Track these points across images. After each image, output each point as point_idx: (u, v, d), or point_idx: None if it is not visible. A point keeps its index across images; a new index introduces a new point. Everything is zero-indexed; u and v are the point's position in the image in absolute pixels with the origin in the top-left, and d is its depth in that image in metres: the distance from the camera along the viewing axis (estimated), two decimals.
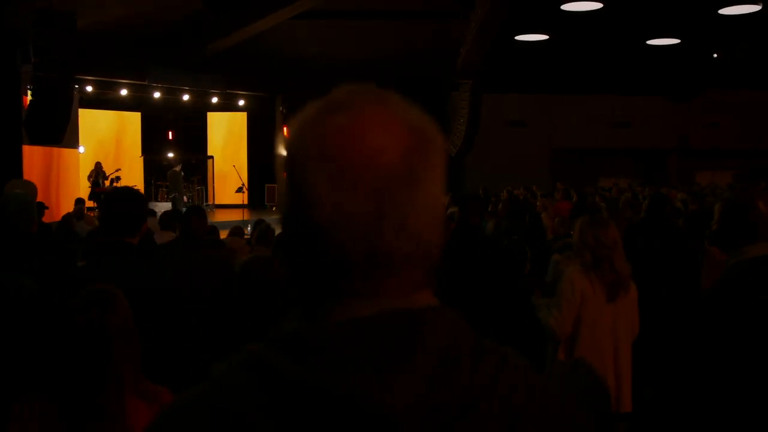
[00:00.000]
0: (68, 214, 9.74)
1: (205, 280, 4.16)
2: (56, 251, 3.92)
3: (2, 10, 12.22)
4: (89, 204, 16.67)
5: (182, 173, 17.44)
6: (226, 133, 21.90)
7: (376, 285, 0.79)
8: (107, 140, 19.78)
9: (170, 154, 20.80)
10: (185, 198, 17.51)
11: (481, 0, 14.94)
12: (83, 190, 16.84)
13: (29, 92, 14.03)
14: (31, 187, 4.03)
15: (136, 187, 17.45)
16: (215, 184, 21.06)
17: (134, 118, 20.44)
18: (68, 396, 1.92)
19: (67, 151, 16.30)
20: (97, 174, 17.04)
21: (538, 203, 12.45)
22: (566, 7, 15.83)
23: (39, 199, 12.12)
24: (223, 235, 8.10)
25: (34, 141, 12.48)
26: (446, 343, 0.77)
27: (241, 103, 20.82)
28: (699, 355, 3.01)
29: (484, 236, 4.81)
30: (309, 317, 0.81)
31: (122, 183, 17.74)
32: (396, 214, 0.78)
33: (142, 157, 20.17)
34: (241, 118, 21.76)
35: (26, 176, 14.12)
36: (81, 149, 17.41)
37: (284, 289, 3.50)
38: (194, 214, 4.40)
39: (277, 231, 7.32)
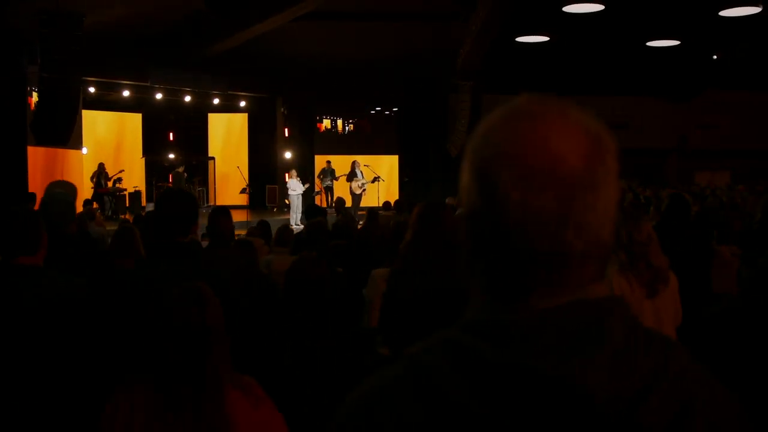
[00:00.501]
0: (81, 214, 9.73)
1: (238, 281, 4.19)
2: (93, 251, 3.95)
3: (7, 11, 12.22)
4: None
5: (185, 174, 17.44)
6: (227, 134, 21.89)
7: (559, 278, 0.86)
8: (108, 141, 19.76)
9: (171, 155, 20.80)
10: None
11: (483, 1, 15.01)
12: (87, 191, 16.86)
13: (34, 93, 14.07)
14: (71, 188, 4.06)
15: (137, 188, 17.47)
16: (216, 186, 21.03)
17: (135, 119, 20.42)
18: (170, 389, 1.99)
19: (70, 152, 16.28)
20: (99, 175, 17.03)
21: None
22: (568, 8, 15.91)
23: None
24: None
25: (41, 142, 12.49)
26: (626, 330, 0.85)
27: (242, 104, 20.81)
28: (743, 358, 3.04)
29: None
30: (495, 308, 0.88)
31: (123, 184, 17.77)
32: (577, 215, 0.84)
33: (144, 158, 20.14)
34: (242, 119, 21.75)
35: (30, 177, 14.15)
36: (84, 150, 17.41)
37: (328, 288, 3.57)
38: (222, 215, 4.39)
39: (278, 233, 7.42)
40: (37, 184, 14.21)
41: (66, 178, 16.24)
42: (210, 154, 21.41)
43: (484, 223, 0.87)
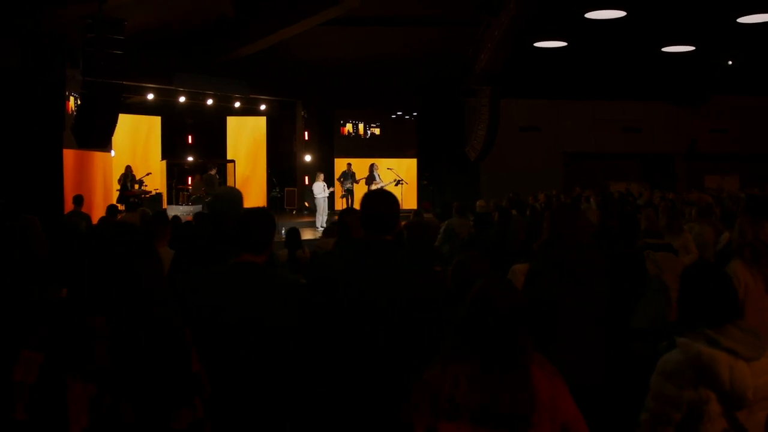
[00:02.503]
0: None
1: None
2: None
3: (48, 15, 12.35)
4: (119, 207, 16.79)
5: (218, 177, 17.58)
6: (246, 138, 22.02)
7: None
8: (127, 144, 19.88)
9: (190, 158, 20.95)
10: None
11: (506, 8, 15.27)
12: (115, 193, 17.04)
13: (72, 97, 14.19)
14: (238, 191, 4.27)
15: (158, 191, 17.54)
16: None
17: (154, 122, 20.54)
18: (492, 360, 2.30)
19: (99, 155, 16.40)
20: (126, 177, 17.15)
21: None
22: (590, 15, 16.23)
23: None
24: None
25: (82, 145, 12.62)
26: None
27: (262, 107, 20.97)
28: None
29: (620, 237, 5.08)
30: None
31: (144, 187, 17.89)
32: None
33: (165, 161, 20.26)
34: (261, 122, 21.89)
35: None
36: (112, 153, 17.54)
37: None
38: (348, 215, 4.55)
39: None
40: (69, 186, 14.33)
41: (96, 180, 16.42)
42: (228, 157, 21.55)
43: None
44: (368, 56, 19.21)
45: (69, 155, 14.78)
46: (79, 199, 11.52)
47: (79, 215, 11.03)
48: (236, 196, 3.77)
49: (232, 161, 21.04)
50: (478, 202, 14.37)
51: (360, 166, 19.96)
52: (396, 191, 18.81)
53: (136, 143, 20.25)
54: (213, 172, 17.03)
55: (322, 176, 17.70)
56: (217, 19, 16.20)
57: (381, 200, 3.12)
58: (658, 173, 24.27)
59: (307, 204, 20.64)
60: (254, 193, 21.67)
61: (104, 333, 1.81)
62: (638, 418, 2.66)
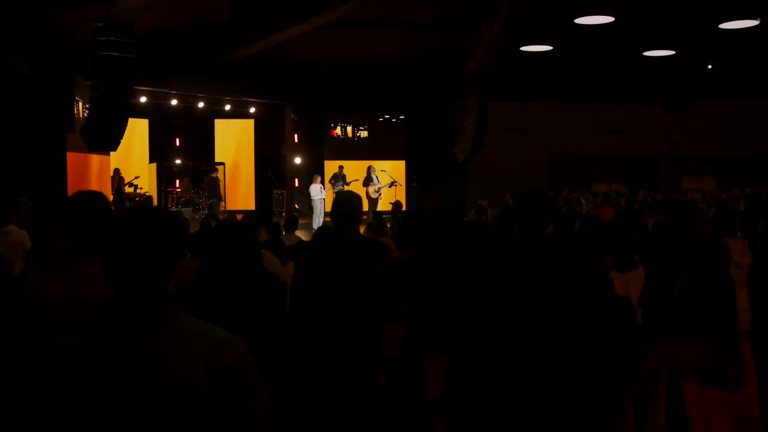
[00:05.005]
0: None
1: None
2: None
3: (57, 19, 12.31)
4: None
5: (219, 179, 17.57)
6: (234, 140, 22.01)
7: None
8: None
9: (177, 161, 20.90)
10: (222, 205, 17.66)
11: (499, 12, 15.61)
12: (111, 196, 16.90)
13: (77, 101, 14.13)
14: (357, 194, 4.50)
15: (148, 194, 17.48)
16: (225, 191, 21.09)
17: (141, 125, 20.41)
18: (715, 332, 2.84)
19: (97, 157, 16.33)
20: (118, 180, 17.10)
21: (582, 209, 13.28)
22: (579, 20, 16.64)
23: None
24: None
25: (93, 148, 12.60)
26: None
27: (251, 110, 20.99)
28: None
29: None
30: None
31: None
32: None
33: (155, 164, 20.17)
34: (248, 125, 21.90)
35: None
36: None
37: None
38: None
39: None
40: (70, 189, 14.26)
41: (96, 181, 16.34)
42: (216, 160, 21.50)
43: None
44: (364, 58, 19.38)
45: (72, 158, 14.72)
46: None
47: None
48: (356, 195, 4.04)
49: (222, 164, 20.99)
50: (478, 202, 14.71)
51: (350, 168, 20.12)
52: (390, 192, 19.07)
53: (126, 146, 20.09)
54: (215, 174, 17.04)
55: (319, 178, 17.81)
56: (216, 21, 16.23)
57: (537, 198, 3.37)
58: (641, 174, 24.90)
59: (297, 206, 20.73)
60: (242, 195, 21.70)
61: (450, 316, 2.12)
62: None
